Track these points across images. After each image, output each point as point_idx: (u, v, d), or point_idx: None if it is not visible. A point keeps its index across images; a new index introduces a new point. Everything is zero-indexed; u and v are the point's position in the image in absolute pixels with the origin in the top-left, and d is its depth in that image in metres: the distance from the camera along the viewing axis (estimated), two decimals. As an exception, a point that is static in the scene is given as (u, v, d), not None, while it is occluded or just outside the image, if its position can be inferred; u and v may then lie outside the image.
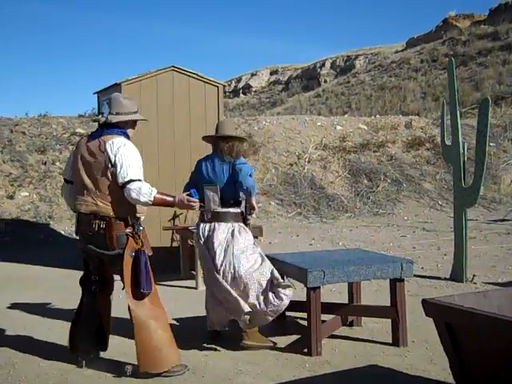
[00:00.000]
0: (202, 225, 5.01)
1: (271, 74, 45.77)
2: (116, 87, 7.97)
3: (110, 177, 4.21)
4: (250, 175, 4.90)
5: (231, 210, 4.96)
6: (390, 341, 4.92)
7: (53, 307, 6.30)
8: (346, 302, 5.51)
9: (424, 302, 3.51)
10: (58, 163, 12.57)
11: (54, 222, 11.12)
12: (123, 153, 4.18)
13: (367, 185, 14.41)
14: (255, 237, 7.36)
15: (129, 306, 4.31)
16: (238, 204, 5.02)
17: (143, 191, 4.11)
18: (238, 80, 47.07)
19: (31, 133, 13.83)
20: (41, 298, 6.62)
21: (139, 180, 4.14)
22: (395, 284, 4.85)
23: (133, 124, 4.48)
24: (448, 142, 7.63)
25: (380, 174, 14.77)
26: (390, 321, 4.99)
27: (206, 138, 5.33)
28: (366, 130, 16.70)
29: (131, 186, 4.10)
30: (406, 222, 12.49)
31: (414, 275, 5.20)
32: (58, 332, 5.41)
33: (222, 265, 4.80)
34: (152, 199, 4.15)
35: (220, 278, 4.78)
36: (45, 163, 12.73)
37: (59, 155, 12.71)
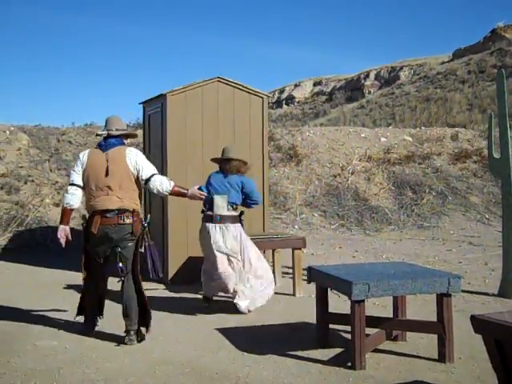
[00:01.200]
0: (211, 225, 6.35)
1: (315, 84, 45.75)
2: (162, 98, 8.05)
3: (131, 178, 5.31)
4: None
5: (234, 213, 6.42)
6: (436, 357, 4.83)
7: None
8: (391, 315, 5.43)
9: (473, 318, 3.41)
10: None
11: (99, 230, 11.27)
12: (141, 157, 5.40)
13: (412, 197, 14.20)
14: (299, 248, 7.37)
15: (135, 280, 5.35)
16: (236, 209, 6.48)
17: (165, 181, 5.35)
18: (282, 91, 47.17)
19: (77, 142, 14.08)
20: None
21: (160, 174, 5.41)
22: (442, 299, 4.76)
23: (127, 136, 5.69)
24: (496, 155, 7.45)
25: (425, 187, 14.55)
26: (435, 336, 4.89)
27: (214, 160, 6.78)
28: (410, 141, 16.50)
29: (156, 177, 5.32)
30: (451, 236, 12.26)
31: (461, 290, 5.08)
32: (104, 337, 5.47)
33: (240, 253, 6.35)
34: (171, 188, 5.35)
35: (235, 263, 6.33)
36: (90, 172, 12.95)
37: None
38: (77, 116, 72.90)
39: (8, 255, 10.03)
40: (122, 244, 5.25)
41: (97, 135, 5.68)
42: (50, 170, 12.72)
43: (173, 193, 5.43)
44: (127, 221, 5.23)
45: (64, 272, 8.73)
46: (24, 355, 5.01)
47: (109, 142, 5.43)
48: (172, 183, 5.37)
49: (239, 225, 6.44)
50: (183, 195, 5.56)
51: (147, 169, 5.32)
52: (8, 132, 13.44)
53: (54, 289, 7.58)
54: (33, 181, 12.21)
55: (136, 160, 5.32)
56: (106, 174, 5.28)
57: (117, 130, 5.49)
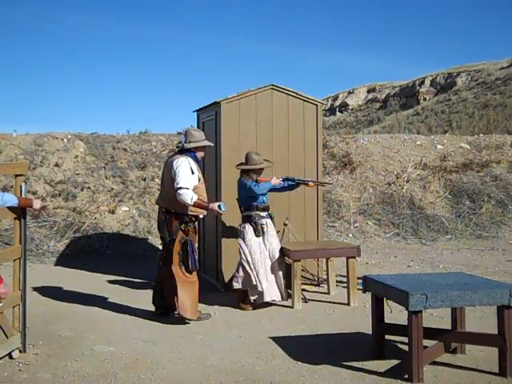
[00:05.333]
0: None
1: (368, 91, 45.31)
2: (216, 105, 8.09)
3: (172, 184, 6.17)
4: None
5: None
6: (497, 370, 4.70)
7: (152, 321, 6.42)
8: (449, 327, 5.29)
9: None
10: (156, 179, 12.87)
11: (153, 237, 11.38)
12: (180, 168, 6.16)
13: (469, 206, 13.86)
14: (353, 257, 7.26)
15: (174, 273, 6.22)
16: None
17: (187, 196, 6.06)
18: (335, 98, 46.91)
19: (132, 149, 14.26)
20: (140, 311, 6.77)
21: (186, 188, 6.07)
22: (503, 311, 4.61)
23: (201, 148, 6.49)
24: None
25: (483, 195, 14.17)
26: (496, 349, 4.75)
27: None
28: (468, 149, 16.13)
29: (179, 191, 6.07)
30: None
31: (523, 302, 4.90)
32: (159, 345, 5.51)
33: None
34: (192, 203, 6.10)
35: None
36: (144, 179, 13.10)
37: (158, 172, 13.00)
38: (132, 123, 73.95)
39: (65, 261, 10.24)
40: (166, 236, 6.37)
41: (176, 147, 6.72)
42: (106, 178, 12.93)
43: (195, 205, 6.17)
44: (166, 217, 6.33)
45: (119, 278, 8.85)
46: (81, 360, 5.09)
47: (178, 153, 6.44)
48: (195, 197, 6.11)
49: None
50: (205, 208, 6.32)
51: (179, 180, 6.11)
52: (65, 140, 13.74)
53: (110, 294, 7.68)
54: (89, 188, 12.44)
55: (175, 168, 6.20)
56: (162, 180, 6.70)
57: (190, 142, 6.39)
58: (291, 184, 7.36)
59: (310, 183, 7.41)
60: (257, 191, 6.88)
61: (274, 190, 7.25)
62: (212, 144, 6.92)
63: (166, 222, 6.33)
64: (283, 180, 7.27)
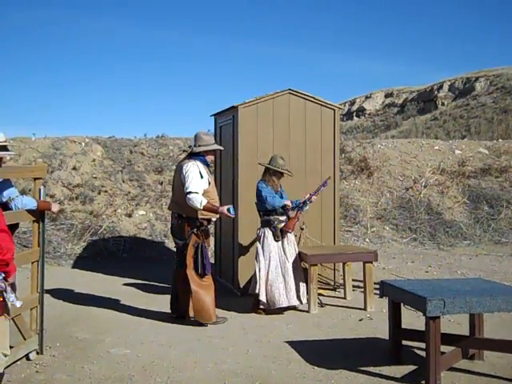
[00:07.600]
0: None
1: (386, 96, 45.10)
2: (233, 110, 8.10)
3: (182, 189, 6.19)
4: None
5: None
6: (516, 378, 4.63)
7: (168, 324, 6.43)
8: (467, 333, 5.24)
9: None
10: (174, 183, 12.93)
11: (169, 241, 11.39)
12: (189, 173, 6.19)
13: (488, 211, 13.74)
14: (370, 262, 7.22)
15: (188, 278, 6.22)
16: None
17: (196, 200, 6.08)
18: (352, 103, 46.75)
19: (149, 153, 14.32)
20: (156, 314, 6.78)
21: (196, 192, 6.10)
22: (522, 317, 4.56)
23: (211, 152, 6.48)
24: None
25: (502, 201, 14.03)
26: (515, 356, 4.69)
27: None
28: (487, 154, 15.99)
29: (189, 195, 6.11)
30: (530, 252, 11.76)
31: (543, 309, 4.84)
32: (175, 348, 5.51)
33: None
34: (201, 207, 6.11)
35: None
36: (161, 183, 13.14)
37: (176, 176, 13.08)
38: (149, 127, 74.34)
39: (82, 263, 10.30)
40: (180, 240, 6.40)
41: (184, 151, 6.55)
42: (123, 181, 12.99)
43: (205, 209, 6.17)
44: (178, 222, 6.35)
45: (136, 281, 8.88)
46: (98, 362, 5.11)
47: (188, 157, 6.44)
48: (204, 201, 6.11)
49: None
50: (215, 211, 6.29)
51: (188, 184, 6.15)
52: (83, 144, 13.85)
53: (126, 297, 7.70)
54: (106, 191, 12.52)
55: (185, 173, 6.22)
56: (173, 185, 6.70)
57: (199, 146, 6.38)
58: (301, 206, 7.13)
59: (313, 197, 7.17)
60: (270, 202, 6.86)
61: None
62: (222, 148, 6.95)
63: (179, 227, 6.35)
64: (293, 208, 7.07)
